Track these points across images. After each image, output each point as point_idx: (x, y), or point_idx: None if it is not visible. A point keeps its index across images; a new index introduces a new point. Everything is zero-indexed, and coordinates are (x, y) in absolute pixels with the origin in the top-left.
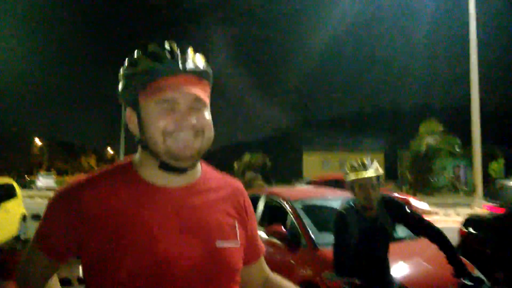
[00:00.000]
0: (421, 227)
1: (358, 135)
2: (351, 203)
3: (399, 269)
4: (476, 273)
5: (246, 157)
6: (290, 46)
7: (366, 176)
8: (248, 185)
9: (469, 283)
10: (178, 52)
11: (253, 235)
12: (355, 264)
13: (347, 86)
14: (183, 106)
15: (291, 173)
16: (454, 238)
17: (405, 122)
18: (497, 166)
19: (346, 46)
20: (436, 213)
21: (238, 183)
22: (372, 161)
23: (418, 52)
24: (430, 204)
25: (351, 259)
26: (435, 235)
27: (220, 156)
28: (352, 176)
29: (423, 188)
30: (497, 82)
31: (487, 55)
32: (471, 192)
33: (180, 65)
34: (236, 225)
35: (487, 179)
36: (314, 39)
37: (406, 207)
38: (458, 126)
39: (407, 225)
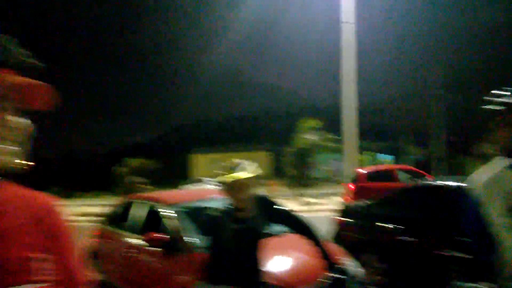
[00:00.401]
0: (292, 223)
1: (247, 135)
2: (225, 205)
3: (270, 266)
4: (348, 260)
5: (129, 161)
6: (180, 48)
7: (238, 177)
8: (129, 190)
9: (337, 276)
10: None
11: (69, 268)
12: (229, 270)
13: (237, 87)
14: None
15: (179, 175)
16: (330, 225)
17: (290, 121)
18: (366, 158)
19: (235, 50)
20: (316, 203)
21: (46, 201)
22: (250, 162)
23: (301, 54)
24: (308, 195)
25: (226, 264)
26: (305, 230)
27: (102, 161)
28: (224, 178)
29: (303, 181)
30: (371, 81)
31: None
32: (345, 182)
33: None
34: (45, 259)
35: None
36: (203, 40)
37: (277, 204)
38: (334, 122)
39: (280, 222)
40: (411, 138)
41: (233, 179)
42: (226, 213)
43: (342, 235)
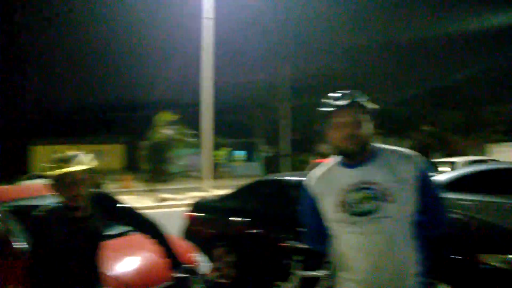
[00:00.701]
0: (135, 222)
1: (101, 126)
2: (55, 203)
3: (113, 269)
4: (198, 256)
5: None
6: (25, 30)
7: (68, 171)
8: None
9: (182, 275)
10: None
11: None
12: (61, 277)
13: (87, 76)
14: None
15: (18, 169)
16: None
17: (146, 114)
18: (221, 153)
19: (92, 37)
20: (172, 199)
21: None
22: (85, 153)
23: (158, 48)
24: (165, 191)
25: (58, 271)
26: (149, 229)
27: None
28: (53, 172)
29: (159, 176)
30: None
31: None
32: (201, 176)
33: None
34: None
35: (213, 165)
36: (55, 24)
37: (118, 201)
38: (191, 118)
39: (122, 221)
40: (263, 136)
41: (61, 173)
42: (56, 213)
43: (194, 230)
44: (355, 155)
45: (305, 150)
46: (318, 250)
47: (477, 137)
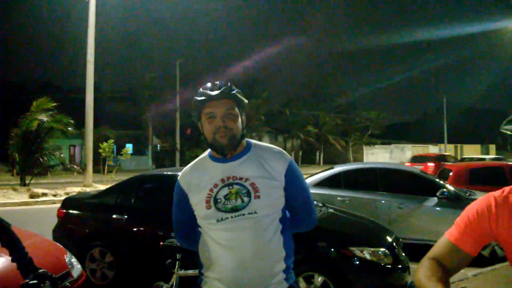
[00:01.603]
0: None
1: None
2: None
3: None
4: (68, 257)
5: None
6: None
7: None
8: None
9: (32, 282)
10: None
11: None
12: None
13: None
14: None
15: None
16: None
17: (18, 98)
18: (106, 146)
19: None
20: (45, 194)
21: None
22: None
23: (42, 23)
24: (40, 185)
25: None
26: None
27: None
28: None
29: (34, 169)
30: (113, 67)
31: (105, 39)
32: (83, 170)
33: None
34: None
35: (98, 158)
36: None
37: None
38: (74, 107)
39: None
40: (154, 129)
41: None
42: None
43: (66, 229)
44: (225, 149)
45: (197, 145)
46: (188, 248)
47: (354, 139)
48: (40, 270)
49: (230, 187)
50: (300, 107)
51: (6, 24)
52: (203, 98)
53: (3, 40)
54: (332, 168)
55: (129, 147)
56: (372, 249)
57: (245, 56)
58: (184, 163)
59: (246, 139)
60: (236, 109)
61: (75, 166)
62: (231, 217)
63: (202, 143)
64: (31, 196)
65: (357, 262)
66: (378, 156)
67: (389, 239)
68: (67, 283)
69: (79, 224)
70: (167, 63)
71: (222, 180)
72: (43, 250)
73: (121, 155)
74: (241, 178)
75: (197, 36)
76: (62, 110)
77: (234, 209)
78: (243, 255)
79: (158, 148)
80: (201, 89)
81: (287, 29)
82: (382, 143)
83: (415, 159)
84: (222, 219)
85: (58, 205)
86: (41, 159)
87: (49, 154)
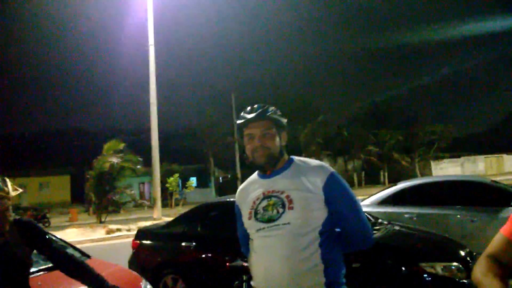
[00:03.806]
0: (58, 258)
1: (41, 157)
2: None
3: None
4: (144, 283)
5: None
6: None
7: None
8: None
9: None
10: None
11: None
12: None
13: (26, 103)
14: None
15: None
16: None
17: (92, 143)
18: (172, 180)
19: (28, 64)
20: (119, 230)
21: None
22: (3, 180)
23: (104, 75)
24: (114, 222)
25: None
26: (73, 267)
27: None
28: None
29: (107, 207)
30: (175, 107)
31: (165, 81)
32: (152, 205)
33: None
34: None
35: (166, 193)
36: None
37: (46, 234)
38: (141, 146)
39: (45, 254)
40: (214, 161)
41: None
42: None
43: (140, 259)
44: (265, 166)
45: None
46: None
47: (419, 155)
48: None
49: (269, 199)
50: (358, 127)
51: (74, 79)
52: (242, 121)
53: (75, 94)
54: (396, 185)
55: (193, 180)
56: (444, 264)
57: (298, 82)
58: None
59: (291, 156)
60: (274, 129)
61: (145, 202)
62: (267, 227)
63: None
64: (107, 232)
65: (429, 278)
66: (447, 170)
67: (462, 253)
68: None
69: (151, 253)
70: (224, 97)
71: (264, 194)
72: (122, 278)
73: (186, 188)
74: (278, 191)
75: (251, 67)
76: (131, 151)
77: (270, 220)
78: (272, 263)
79: (220, 179)
80: (242, 113)
81: (341, 50)
82: (451, 157)
83: None
84: (260, 229)
85: (132, 239)
86: (114, 198)
87: (121, 192)
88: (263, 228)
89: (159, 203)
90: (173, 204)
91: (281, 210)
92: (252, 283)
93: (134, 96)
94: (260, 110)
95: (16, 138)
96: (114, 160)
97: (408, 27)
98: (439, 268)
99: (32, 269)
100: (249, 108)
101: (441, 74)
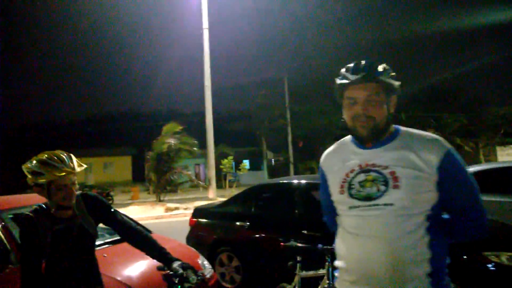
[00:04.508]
0: (125, 230)
1: (105, 138)
2: (42, 205)
3: (118, 272)
4: (201, 260)
5: None
6: (25, 42)
7: (65, 173)
8: None
9: (175, 272)
10: None
11: None
12: (50, 275)
13: (89, 88)
14: None
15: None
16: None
17: (150, 125)
18: (226, 162)
19: (87, 51)
20: (177, 208)
21: None
22: (69, 155)
23: (161, 59)
24: (172, 201)
25: (53, 273)
26: (140, 240)
27: None
28: (50, 177)
29: (166, 186)
30: (228, 91)
31: (219, 66)
32: (208, 186)
33: None
34: None
35: (220, 174)
36: (57, 35)
37: (111, 207)
38: (197, 129)
39: (111, 227)
40: (268, 144)
41: (55, 178)
42: (46, 213)
43: (196, 236)
44: (367, 138)
45: (309, 157)
46: (330, 228)
47: (483, 140)
48: (184, 263)
49: (367, 174)
50: (417, 109)
51: (135, 64)
52: (343, 82)
53: (135, 78)
54: None
55: (246, 162)
56: (510, 253)
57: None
58: (297, 175)
59: (395, 126)
60: (382, 95)
61: (201, 182)
62: (364, 205)
63: (316, 154)
64: (166, 210)
65: (493, 268)
66: None
67: None
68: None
69: (207, 231)
70: (277, 80)
71: (360, 166)
72: (180, 253)
73: (239, 170)
74: (380, 166)
75: (305, 50)
76: (187, 133)
77: (368, 198)
78: (371, 244)
79: (273, 162)
80: (343, 70)
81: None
82: None
83: None
84: (354, 207)
85: (189, 217)
86: (172, 178)
87: (178, 172)
88: (358, 207)
89: (214, 183)
90: (227, 185)
91: (382, 188)
92: (338, 263)
93: (190, 80)
94: (367, 72)
95: (84, 121)
96: (172, 141)
97: (470, 3)
98: (504, 257)
99: (99, 242)
100: (353, 65)
101: (510, 52)
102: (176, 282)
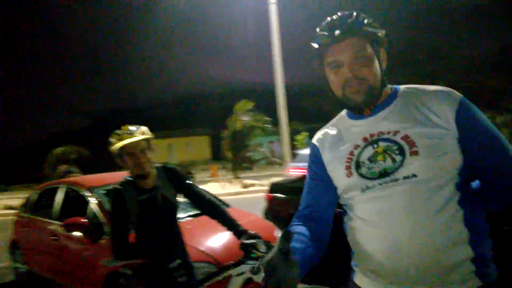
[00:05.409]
0: (201, 201)
1: (185, 119)
2: (127, 177)
3: (201, 242)
4: (277, 232)
5: (58, 150)
6: (104, 33)
7: (132, 140)
8: (62, 178)
9: (248, 241)
10: None
11: None
12: (138, 243)
13: (164, 71)
14: None
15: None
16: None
17: (225, 105)
18: (300, 138)
19: (165, 32)
20: (253, 185)
21: None
22: (138, 126)
23: (230, 37)
24: (248, 177)
25: (136, 238)
26: (215, 211)
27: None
28: (118, 145)
29: (242, 163)
30: (299, 65)
31: (290, 40)
32: (283, 163)
33: None
34: None
35: (294, 152)
36: (129, 23)
37: (186, 177)
38: (270, 107)
39: (189, 197)
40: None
41: (122, 144)
42: (131, 184)
43: (273, 211)
44: (363, 105)
45: None
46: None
47: None
48: (252, 232)
49: (375, 146)
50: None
51: (203, 40)
52: (321, 42)
53: (203, 56)
54: None
55: None
56: None
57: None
58: None
59: (392, 85)
60: (369, 49)
61: (276, 159)
62: (380, 184)
63: None
64: (243, 187)
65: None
66: None
67: None
68: None
69: (284, 205)
70: None
71: (365, 139)
72: (258, 226)
73: None
74: (388, 132)
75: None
76: (260, 111)
77: (384, 173)
78: (396, 234)
79: None
80: (317, 30)
81: None
82: None
83: None
84: (368, 188)
85: (266, 193)
86: (247, 155)
87: (253, 150)
88: (373, 187)
89: (288, 160)
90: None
91: (398, 158)
92: (359, 262)
93: (262, 57)
94: (346, 25)
95: (165, 104)
96: (245, 118)
97: None
98: None
99: (183, 215)
100: (327, 21)
101: None
102: (249, 250)
